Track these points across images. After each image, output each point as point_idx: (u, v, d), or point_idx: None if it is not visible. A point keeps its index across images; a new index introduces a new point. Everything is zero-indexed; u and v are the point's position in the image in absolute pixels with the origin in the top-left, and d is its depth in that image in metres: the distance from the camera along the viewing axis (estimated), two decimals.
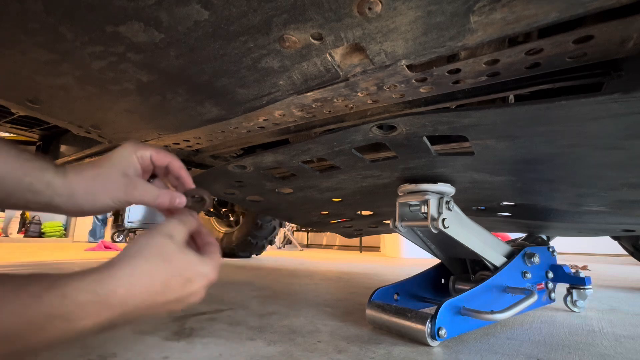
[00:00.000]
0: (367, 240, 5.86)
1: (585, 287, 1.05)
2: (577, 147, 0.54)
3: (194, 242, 0.44)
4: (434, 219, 0.80)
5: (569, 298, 1.08)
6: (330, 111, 0.66)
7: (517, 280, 0.94)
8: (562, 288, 1.10)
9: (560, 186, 0.73)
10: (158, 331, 0.76)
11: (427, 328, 0.69)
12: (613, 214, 0.88)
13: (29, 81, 0.62)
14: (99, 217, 4.67)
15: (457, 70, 0.47)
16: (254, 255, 3.12)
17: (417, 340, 0.72)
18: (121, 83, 0.56)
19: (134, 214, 4.79)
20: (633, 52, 0.41)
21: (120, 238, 5.08)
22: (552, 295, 1.04)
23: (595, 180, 0.66)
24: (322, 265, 2.69)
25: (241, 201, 1.18)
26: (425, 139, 0.64)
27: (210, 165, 1.10)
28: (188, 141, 0.87)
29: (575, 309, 1.06)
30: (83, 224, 4.96)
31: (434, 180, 0.83)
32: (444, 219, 0.79)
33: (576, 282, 1.06)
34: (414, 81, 0.51)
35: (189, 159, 1.05)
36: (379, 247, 5.21)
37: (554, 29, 0.40)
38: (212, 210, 3.13)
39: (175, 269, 0.36)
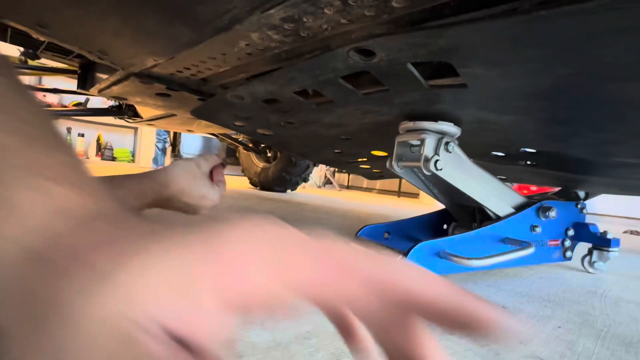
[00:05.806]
0: (407, 186, 5.76)
1: (609, 249, 0.94)
2: (581, 77, 0.44)
3: (211, 178, 0.61)
4: (427, 160, 0.75)
5: (587, 258, 0.99)
6: (308, 34, 0.61)
7: (522, 233, 0.87)
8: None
9: (578, 130, 0.62)
10: None
11: None
12: None
13: (33, 2, 0.66)
14: (159, 146, 5.17)
15: None
16: (289, 190, 3.29)
17: None
18: (95, 3, 0.57)
19: (188, 145, 5.23)
20: None
21: None
22: (568, 253, 0.96)
23: (618, 122, 0.54)
24: (351, 205, 2.75)
25: (252, 133, 1.21)
26: (410, 66, 0.57)
27: None
28: (189, 69, 0.89)
29: (591, 270, 0.98)
30: (147, 152, 5.57)
31: (435, 118, 0.76)
32: (437, 161, 0.74)
33: (600, 242, 0.95)
34: None
35: (199, 89, 1.08)
36: (419, 194, 5.12)
37: None
38: (251, 145, 3.27)
39: (196, 183, 0.56)
